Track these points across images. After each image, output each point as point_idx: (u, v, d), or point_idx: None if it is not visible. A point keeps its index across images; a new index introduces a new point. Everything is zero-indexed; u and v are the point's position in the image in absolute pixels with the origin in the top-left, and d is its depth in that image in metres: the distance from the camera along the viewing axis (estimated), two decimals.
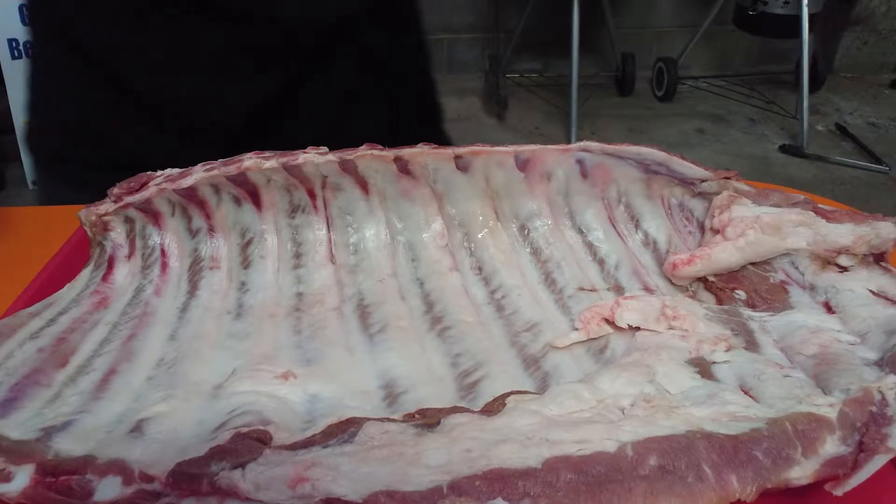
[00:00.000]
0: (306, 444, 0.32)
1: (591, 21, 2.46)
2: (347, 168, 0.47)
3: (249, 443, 0.31)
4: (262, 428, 0.33)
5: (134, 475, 0.31)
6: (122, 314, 0.44)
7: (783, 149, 2.36)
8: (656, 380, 0.35)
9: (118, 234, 0.47)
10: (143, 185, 0.47)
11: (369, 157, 0.47)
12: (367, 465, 0.30)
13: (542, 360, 0.40)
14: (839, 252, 0.42)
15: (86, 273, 0.46)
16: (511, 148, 0.48)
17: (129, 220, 0.47)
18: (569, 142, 0.50)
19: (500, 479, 0.29)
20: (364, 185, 0.48)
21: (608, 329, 0.40)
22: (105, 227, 0.47)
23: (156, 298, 0.45)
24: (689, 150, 2.35)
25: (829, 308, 0.41)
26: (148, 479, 0.31)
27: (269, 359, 0.40)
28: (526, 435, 0.31)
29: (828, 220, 0.42)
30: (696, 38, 2.61)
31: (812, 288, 0.42)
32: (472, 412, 0.34)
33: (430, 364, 0.40)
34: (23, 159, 2.08)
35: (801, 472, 0.30)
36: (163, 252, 0.48)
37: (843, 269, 0.42)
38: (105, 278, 0.46)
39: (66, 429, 0.34)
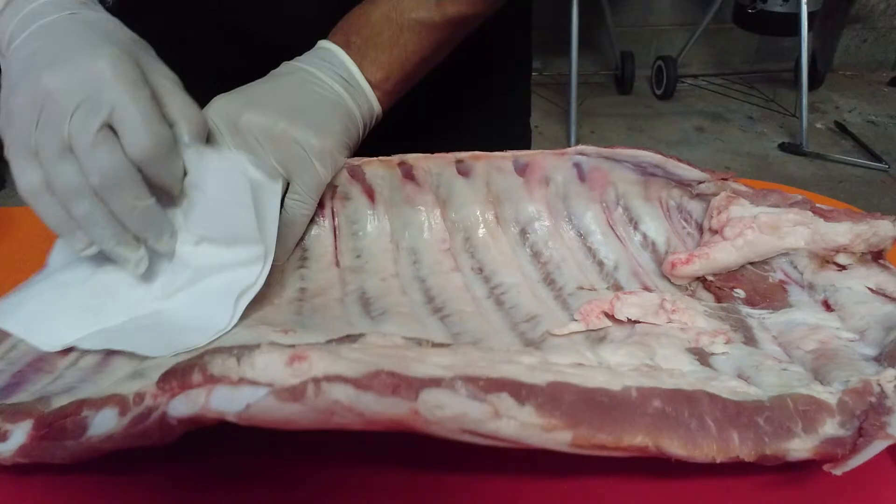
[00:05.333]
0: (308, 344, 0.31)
1: (590, 20, 2.46)
2: (356, 175, 0.48)
3: (248, 347, 0.30)
4: None
5: (129, 404, 0.30)
6: None
7: (782, 147, 2.35)
8: (655, 360, 0.35)
9: None
10: None
11: (376, 164, 0.48)
12: (369, 357, 0.29)
13: (540, 344, 0.40)
14: (837, 251, 0.42)
15: None
16: (510, 153, 0.48)
17: None
18: (568, 140, 0.50)
19: (506, 384, 0.28)
20: (371, 194, 0.49)
21: (607, 322, 0.41)
22: None
23: None
24: (689, 149, 2.34)
25: (827, 306, 0.41)
26: (140, 398, 0.30)
27: (268, 323, 0.40)
28: (531, 366, 0.31)
29: (826, 219, 0.42)
30: (695, 36, 2.60)
31: (811, 286, 0.42)
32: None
33: (430, 336, 0.40)
34: None
35: (800, 445, 0.30)
36: None
37: (842, 267, 0.42)
38: None
39: (65, 392, 0.34)
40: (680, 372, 0.34)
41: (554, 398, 0.28)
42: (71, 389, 0.35)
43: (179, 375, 0.29)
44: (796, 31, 2.19)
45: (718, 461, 0.29)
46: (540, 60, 2.77)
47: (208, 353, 0.29)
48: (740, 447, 0.29)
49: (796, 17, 2.18)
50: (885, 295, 0.40)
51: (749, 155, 2.34)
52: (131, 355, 0.38)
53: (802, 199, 0.44)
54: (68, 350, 0.39)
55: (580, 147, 0.48)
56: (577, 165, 0.48)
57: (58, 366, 0.38)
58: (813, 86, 2.52)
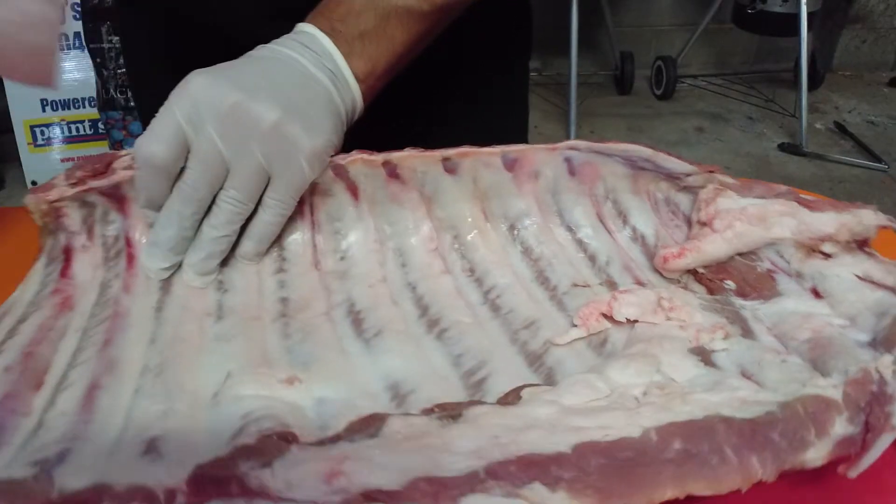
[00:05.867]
0: (332, 440, 0.31)
1: (590, 20, 2.47)
2: (339, 173, 0.47)
3: (275, 441, 0.30)
4: (283, 430, 0.31)
5: (159, 498, 0.28)
6: (90, 317, 0.40)
7: (782, 147, 2.36)
8: (662, 369, 0.35)
9: (72, 220, 0.43)
10: (108, 167, 0.43)
11: (360, 162, 0.47)
12: (399, 456, 0.29)
13: (544, 355, 0.39)
14: (823, 240, 0.42)
15: (38, 268, 0.42)
16: (498, 148, 0.48)
17: (86, 205, 0.43)
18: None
19: (534, 465, 0.29)
20: (354, 191, 0.47)
21: (607, 324, 0.41)
22: (58, 214, 0.43)
23: (126, 296, 0.41)
24: (688, 149, 2.35)
25: (816, 294, 0.42)
26: (171, 495, 0.28)
27: (266, 363, 0.37)
28: (549, 422, 0.31)
29: (810, 209, 0.43)
30: (694, 36, 2.61)
31: (799, 275, 0.43)
32: (491, 404, 0.33)
33: (432, 364, 0.39)
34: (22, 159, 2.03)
35: (815, 454, 0.31)
36: (128, 242, 0.44)
37: (828, 255, 0.43)
38: (63, 273, 0.42)
39: (64, 461, 0.30)
40: (690, 386, 0.34)
41: (581, 469, 0.29)
42: (66, 452, 0.31)
43: (214, 484, 0.28)
44: (796, 31, 2.20)
45: (744, 491, 0.30)
46: (539, 60, 2.77)
47: (241, 460, 0.28)
48: (761, 470, 0.30)
49: (796, 17, 2.19)
50: (872, 282, 0.41)
51: (749, 155, 2.34)
52: (114, 389, 0.35)
53: (787, 189, 0.44)
54: (39, 384, 0.35)
55: (571, 142, 0.48)
56: (567, 160, 0.48)
57: (33, 405, 0.34)
58: (812, 86, 2.53)
